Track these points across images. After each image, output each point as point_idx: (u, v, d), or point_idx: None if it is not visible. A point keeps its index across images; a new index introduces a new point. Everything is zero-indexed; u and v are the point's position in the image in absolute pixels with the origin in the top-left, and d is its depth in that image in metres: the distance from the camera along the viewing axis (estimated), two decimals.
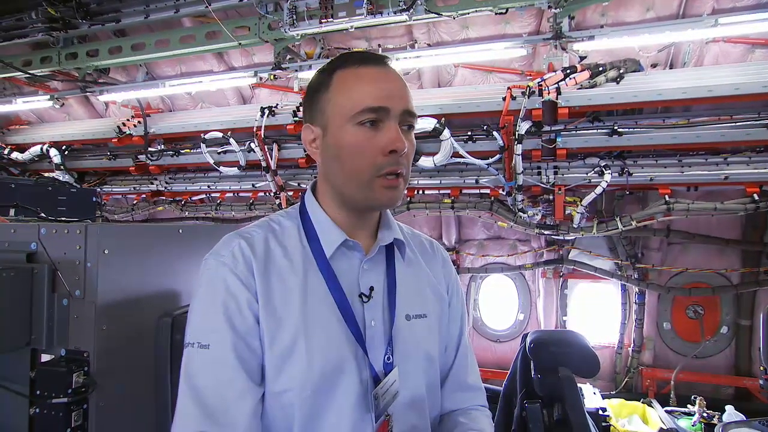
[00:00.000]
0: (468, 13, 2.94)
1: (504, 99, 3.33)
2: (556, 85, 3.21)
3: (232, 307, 0.84)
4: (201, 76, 4.18)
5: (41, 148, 5.04)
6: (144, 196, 5.21)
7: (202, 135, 4.29)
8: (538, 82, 3.25)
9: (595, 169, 3.41)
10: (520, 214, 3.69)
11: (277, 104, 4.03)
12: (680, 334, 4.11)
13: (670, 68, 3.39)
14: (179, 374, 0.85)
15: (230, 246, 0.89)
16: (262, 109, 4.00)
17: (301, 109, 3.00)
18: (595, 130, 3.35)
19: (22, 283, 1.44)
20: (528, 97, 3.25)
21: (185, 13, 3.82)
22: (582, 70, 3.21)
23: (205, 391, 0.81)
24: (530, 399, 2.13)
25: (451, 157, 3.60)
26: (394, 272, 0.97)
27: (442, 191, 4.06)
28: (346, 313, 0.88)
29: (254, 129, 4.05)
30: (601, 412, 3.20)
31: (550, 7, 2.89)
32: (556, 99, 3.19)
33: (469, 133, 3.63)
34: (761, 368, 3.13)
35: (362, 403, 0.86)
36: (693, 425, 3.35)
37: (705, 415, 3.38)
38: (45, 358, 1.48)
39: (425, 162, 3.68)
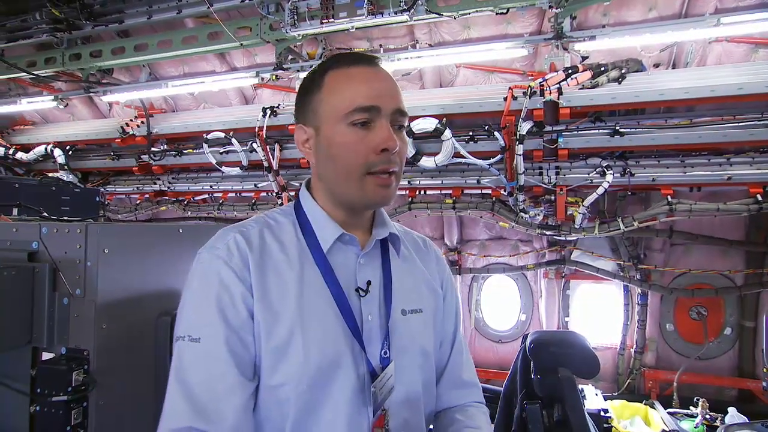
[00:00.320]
0: (469, 14, 2.94)
1: (505, 99, 3.32)
2: (558, 86, 3.20)
3: (225, 301, 0.83)
4: (203, 77, 4.20)
5: (45, 148, 5.07)
6: (147, 196, 5.24)
7: (204, 135, 4.31)
8: (540, 82, 3.25)
9: (597, 170, 3.40)
10: (522, 214, 3.69)
11: (279, 104, 4.05)
12: (683, 335, 4.09)
13: (673, 68, 3.38)
14: None
15: (225, 239, 0.89)
16: (264, 110, 4.02)
17: None
18: (597, 131, 3.33)
19: (23, 282, 1.45)
20: (529, 97, 3.24)
21: (187, 13, 3.83)
22: (584, 70, 3.21)
23: (194, 386, 0.80)
24: (530, 400, 2.13)
25: (453, 157, 3.60)
26: (389, 267, 0.97)
27: (443, 191, 4.06)
28: (343, 307, 0.88)
29: (256, 129, 4.06)
30: (602, 413, 3.20)
31: (551, 7, 2.88)
32: (558, 99, 3.18)
33: (471, 133, 3.63)
34: (764, 370, 3.12)
35: (359, 397, 0.86)
36: (695, 427, 3.33)
37: (708, 417, 3.37)
38: (46, 356, 1.49)
39: (427, 162, 3.67)
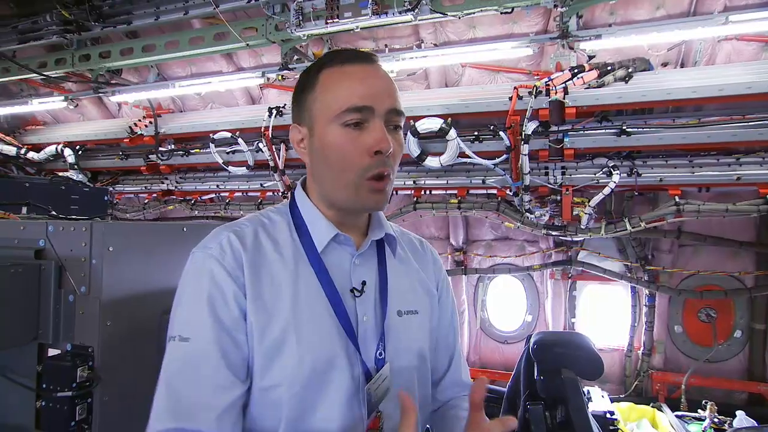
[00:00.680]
0: (473, 13, 2.93)
1: (510, 99, 3.31)
2: (564, 85, 3.18)
3: (217, 300, 0.81)
4: (210, 77, 4.23)
5: (56, 148, 5.15)
6: (155, 195, 5.29)
7: (211, 135, 4.34)
8: (545, 82, 3.23)
9: (604, 170, 3.37)
10: (527, 214, 3.67)
11: (285, 104, 4.07)
12: (692, 337, 4.04)
13: (681, 67, 3.34)
14: None
15: (219, 238, 0.87)
16: (270, 110, 4.04)
17: None
18: (604, 130, 3.30)
19: (30, 279, 1.47)
20: (535, 97, 3.23)
21: (194, 14, 3.87)
22: (590, 70, 3.18)
23: (183, 386, 0.79)
24: (533, 401, 2.12)
25: (458, 157, 3.59)
26: (385, 268, 0.96)
27: (448, 191, 4.05)
28: (337, 307, 0.86)
29: (262, 129, 4.09)
30: (608, 415, 3.16)
31: (556, 6, 2.87)
32: (564, 99, 3.16)
33: (476, 133, 3.61)
34: None
35: (353, 399, 0.85)
36: (703, 430, 3.29)
37: (716, 420, 3.33)
38: (52, 352, 1.51)
39: (432, 162, 3.67)
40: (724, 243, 3.75)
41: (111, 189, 5.25)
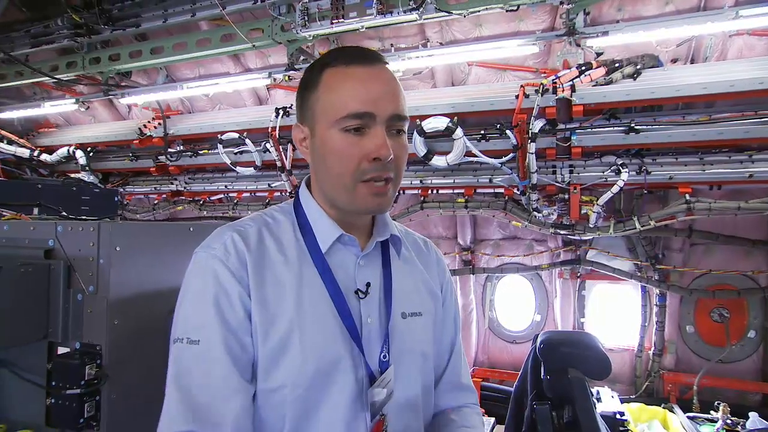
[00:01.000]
0: (478, 11, 2.92)
1: (517, 97, 3.29)
2: (571, 83, 3.15)
3: (223, 302, 0.81)
4: (218, 78, 4.26)
5: (68, 150, 5.23)
6: (164, 196, 5.35)
7: (219, 136, 4.38)
8: (552, 80, 3.20)
9: (612, 168, 3.34)
10: (535, 213, 3.64)
11: (292, 105, 4.08)
12: (704, 337, 3.98)
13: (691, 63, 3.29)
14: None
15: (222, 239, 0.86)
16: (277, 110, 4.06)
17: None
18: (612, 128, 3.27)
19: (39, 279, 1.50)
20: (541, 95, 3.20)
21: (201, 16, 3.90)
22: (597, 67, 3.15)
23: (194, 389, 0.78)
24: (540, 400, 2.11)
25: (465, 156, 3.58)
26: (390, 269, 0.95)
27: (455, 190, 4.04)
28: (341, 309, 0.85)
29: (269, 129, 4.11)
30: (618, 416, 3.13)
31: (562, 3, 2.84)
32: (571, 96, 3.13)
33: (483, 132, 3.60)
34: None
35: (357, 401, 0.84)
36: None
37: (729, 422, 3.27)
38: (61, 350, 1.54)
39: (438, 161, 3.66)
40: (737, 241, 3.69)
41: (121, 190, 5.32)
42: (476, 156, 3.53)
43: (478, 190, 3.97)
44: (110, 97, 4.71)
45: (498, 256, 4.57)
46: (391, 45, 3.76)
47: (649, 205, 3.77)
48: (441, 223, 4.71)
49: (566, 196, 3.52)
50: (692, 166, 3.21)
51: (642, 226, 3.37)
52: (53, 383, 1.46)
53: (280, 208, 0.97)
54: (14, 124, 5.50)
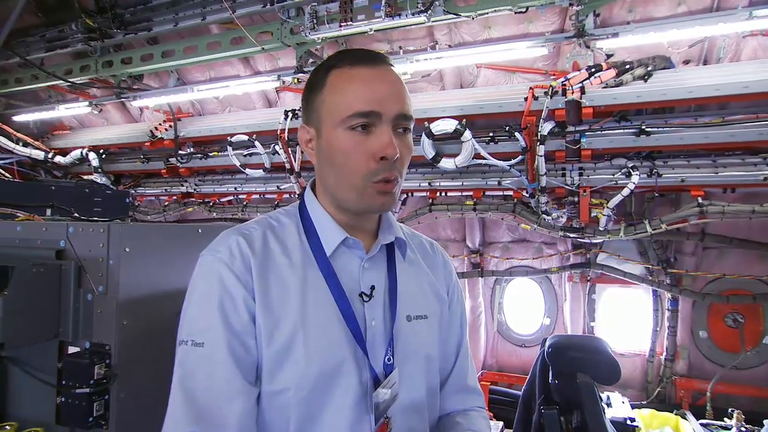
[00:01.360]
0: (487, 13, 2.91)
1: (526, 99, 3.27)
2: (580, 85, 3.12)
3: (228, 305, 0.82)
4: (228, 81, 4.31)
5: (81, 152, 5.32)
6: (175, 197, 5.41)
7: (228, 138, 4.42)
8: (562, 82, 3.18)
9: (622, 171, 3.30)
10: (544, 216, 3.61)
11: (301, 107, 4.10)
12: (717, 343, 3.91)
13: (704, 64, 3.24)
14: None
15: (227, 242, 0.87)
16: (286, 112, 4.09)
17: None
18: (622, 130, 3.23)
19: (51, 279, 1.52)
20: (550, 97, 3.18)
21: (211, 20, 3.95)
22: (608, 69, 3.12)
23: (198, 391, 0.79)
24: (548, 405, 2.09)
25: (473, 158, 3.56)
26: (395, 272, 0.95)
27: (464, 193, 4.03)
28: (346, 311, 0.86)
29: (278, 132, 4.13)
30: (629, 421, 3.09)
31: (571, 4, 2.82)
32: (580, 98, 3.10)
33: (491, 134, 3.58)
34: None
35: (361, 404, 0.84)
36: None
37: (743, 429, 3.20)
38: (72, 350, 1.56)
39: (447, 163, 3.65)
40: (751, 245, 3.62)
41: (133, 191, 5.39)
42: (485, 158, 3.52)
43: (487, 193, 3.95)
44: (122, 99, 4.77)
45: (507, 258, 4.54)
46: (400, 47, 3.77)
47: (660, 208, 3.72)
48: (450, 225, 4.69)
49: (576, 199, 3.49)
50: (705, 169, 3.17)
51: (653, 230, 3.32)
52: (63, 382, 1.48)
53: (286, 211, 0.98)
54: (30, 127, 5.61)
